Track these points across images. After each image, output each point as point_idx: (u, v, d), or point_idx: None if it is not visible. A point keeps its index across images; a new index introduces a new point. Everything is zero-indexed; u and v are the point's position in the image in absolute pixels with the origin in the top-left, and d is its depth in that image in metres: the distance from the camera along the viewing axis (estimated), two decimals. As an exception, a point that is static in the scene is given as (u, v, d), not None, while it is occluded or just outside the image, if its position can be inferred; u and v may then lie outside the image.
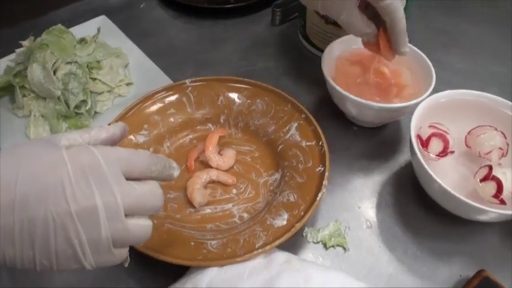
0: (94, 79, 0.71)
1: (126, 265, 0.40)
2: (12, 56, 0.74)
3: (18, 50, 0.72)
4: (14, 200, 0.32)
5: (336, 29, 0.73)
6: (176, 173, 0.41)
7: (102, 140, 0.40)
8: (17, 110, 0.69)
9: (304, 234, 0.57)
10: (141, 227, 0.37)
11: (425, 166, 0.52)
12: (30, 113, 0.67)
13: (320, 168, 0.57)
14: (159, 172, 0.39)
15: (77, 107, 0.67)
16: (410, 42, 0.66)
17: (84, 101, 0.68)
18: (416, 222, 0.58)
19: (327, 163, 0.57)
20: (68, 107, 0.67)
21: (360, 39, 0.63)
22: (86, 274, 0.54)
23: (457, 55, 0.82)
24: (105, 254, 0.35)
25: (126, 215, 0.35)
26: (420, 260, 0.54)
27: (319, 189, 0.54)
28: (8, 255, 0.33)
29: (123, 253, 0.38)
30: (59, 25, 0.74)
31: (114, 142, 0.41)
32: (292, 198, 0.56)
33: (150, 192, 0.38)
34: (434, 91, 0.60)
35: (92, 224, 0.34)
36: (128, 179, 0.36)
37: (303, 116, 0.63)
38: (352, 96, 0.60)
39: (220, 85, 0.68)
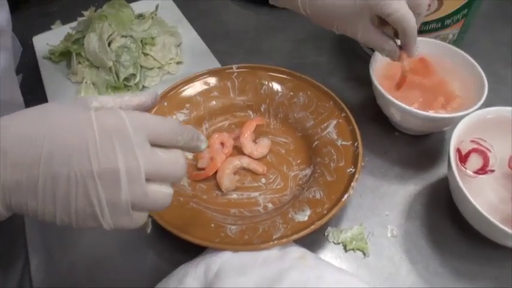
0: (146, 54, 0.74)
1: (148, 231, 0.40)
2: (74, 24, 0.77)
3: (79, 19, 0.76)
4: (41, 155, 0.33)
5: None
6: (204, 145, 0.41)
7: (134, 106, 0.41)
8: (71, 76, 0.73)
9: (326, 234, 0.56)
10: (161, 193, 0.37)
11: (460, 183, 0.50)
12: (83, 79, 0.71)
13: (351, 169, 0.56)
14: (185, 142, 0.39)
15: (126, 79, 0.70)
16: (469, 52, 0.64)
17: (133, 75, 0.70)
18: (443, 238, 0.56)
19: (359, 165, 0.56)
20: (118, 78, 0.69)
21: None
22: (107, 238, 0.56)
23: (519, 71, 0.78)
24: (123, 216, 0.36)
25: (148, 180, 0.36)
26: (441, 277, 0.53)
27: (346, 190, 0.54)
28: (30, 207, 0.35)
29: (142, 217, 0.38)
30: None
31: (145, 109, 0.41)
32: (318, 196, 0.55)
33: (173, 161, 0.38)
34: (489, 105, 0.57)
35: (113, 186, 0.34)
36: (154, 145, 0.37)
37: (343, 114, 0.62)
38: (395, 101, 0.59)
39: (265, 74, 0.68)
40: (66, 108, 0.36)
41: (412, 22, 0.53)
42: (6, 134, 0.34)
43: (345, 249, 0.55)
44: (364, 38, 0.56)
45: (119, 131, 0.35)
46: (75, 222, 0.36)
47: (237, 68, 0.69)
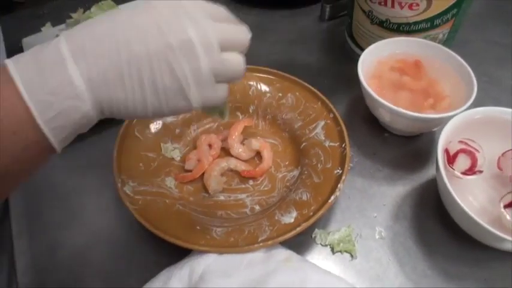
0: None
1: (226, 118, 0.44)
2: (62, 26, 0.77)
3: (68, 21, 0.75)
4: (118, 41, 0.35)
5: (381, 30, 0.71)
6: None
7: None
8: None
9: (313, 235, 0.56)
10: (235, 59, 0.38)
11: (448, 184, 0.49)
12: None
13: (338, 170, 0.56)
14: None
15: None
16: (460, 52, 0.64)
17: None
18: (432, 239, 0.55)
19: (346, 166, 0.55)
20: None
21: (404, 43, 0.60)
22: (93, 240, 0.56)
23: (509, 71, 0.77)
24: (208, 87, 0.37)
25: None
26: (429, 279, 0.52)
27: (332, 192, 0.53)
28: (120, 100, 0.36)
29: (224, 90, 0.39)
30: (109, 0, 0.76)
31: None
32: (304, 197, 0.55)
33: (239, 29, 0.40)
34: (478, 105, 0.57)
35: (191, 56, 0.36)
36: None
37: (331, 115, 0.62)
38: (384, 102, 0.58)
39: (253, 75, 0.68)
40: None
41: None
42: (80, 33, 0.36)
43: (333, 251, 0.55)
44: None
45: (184, 8, 0.37)
46: (166, 103, 0.37)
47: (226, 69, 0.68)
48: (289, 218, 0.53)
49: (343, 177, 0.54)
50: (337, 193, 0.53)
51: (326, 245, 0.55)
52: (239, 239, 0.50)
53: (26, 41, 0.78)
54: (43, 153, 0.36)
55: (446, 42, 0.71)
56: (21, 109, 0.33)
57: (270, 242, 0.49)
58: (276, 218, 0.53)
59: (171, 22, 0.36)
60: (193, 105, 0.38)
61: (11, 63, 0.34)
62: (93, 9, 0.74)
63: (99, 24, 0.36)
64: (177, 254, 0.51)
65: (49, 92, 0.34)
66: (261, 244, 0.49)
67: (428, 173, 0.62)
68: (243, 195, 0.58)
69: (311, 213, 0.52)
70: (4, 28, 0.79)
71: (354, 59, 0.78)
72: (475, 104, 0.57)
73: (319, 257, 0.54)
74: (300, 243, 0.54)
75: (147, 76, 0.35)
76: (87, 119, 0.36)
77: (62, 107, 0.34)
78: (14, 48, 0.80)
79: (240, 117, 0.67)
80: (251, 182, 0.60)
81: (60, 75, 0.34)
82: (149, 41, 0.35)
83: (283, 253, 0.49)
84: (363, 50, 0.76)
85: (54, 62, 0.34)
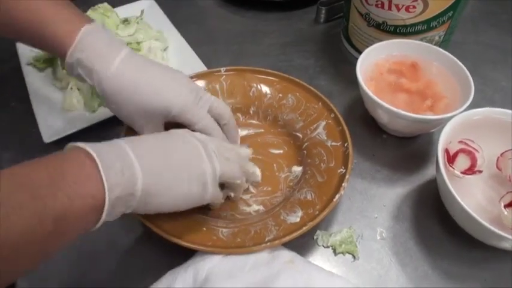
0: (132, 59, 0.73)
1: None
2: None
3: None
4: (171, 162, 0.46)
5: (377, 32, 0.72)
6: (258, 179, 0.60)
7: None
8: (56, 82, 0.72)
9: (315, 237, 0.56)
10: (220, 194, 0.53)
11: (448, 183, 0.50)
12: (68, 85, 0.69)
13: (342, 169, 0.56)
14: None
15: (112, 84, 0.69)
16: (455, 53, 0.64)
17: (119, 79, 0.69)
18: (433, 240, 0.56)
19: (349, 165, 0.56)
20: (103, 83, 0.68)
21: (401, 45, 0.61)
22: (96, 243, 0.55)
23: (503, 72, 0.79)
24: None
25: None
26: (431, 279, 0.53)
27: (337, 191, 0.54)
28: (155, 204, 0.45)
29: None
30: (105, 3, 0.76)
31: None
32: (309, 197, 0.55)
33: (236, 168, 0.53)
34: (475, 106, 0.58)
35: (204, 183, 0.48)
36: None
37: (332, 115, 0.62)
38: (383, 103, 0.59)
39: (254, 76, 0.68)
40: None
41: (216, 132, 0.56)
42: (140, 145, 0.45)
43: (335, 252, 0.55)
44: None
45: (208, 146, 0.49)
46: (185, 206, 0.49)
47: (225, 70, 0.68)
48: (295, 217, 0.53)
49: (347, 176, 0.54)
50: (342, 192, 0.53)
51: (328, 247, 0.55)
52: (246, 239, 0.50)
53: (20, 44, 0.78)
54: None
55: (443, 44, 0.72)
56: (98, 201, 0.39)
57: (276, 242, 0.49)
58: (282, 217, 0.53)
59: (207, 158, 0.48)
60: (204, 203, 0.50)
61: (99, 162, 0.40)
62: (89, 12, 0.73)
63: (158, 142, 0.47)
64: (181, 256, 0.51)
65: (117, 196, 0.40)
66: (268, 244, 0.49)
67: (427, 173, 0.63)
68: (247, 196, 0.58)
69: (316, 212, 0.52)
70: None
71: (350, 61, 0.79)
72: (472, 105, 0.58)
73: (321, 258, 0.54)
74: (302, 245, 0.55)
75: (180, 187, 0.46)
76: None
77: (121, 202, 0.41)
78: (10, 54, 0.79)
79: (241, 119, 0.67)
80: (254, 184, 0.60)
81: (129, 182, 0.41)
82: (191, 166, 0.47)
83: (286, 255, 0.49)
84: (359, 52, 0.77)
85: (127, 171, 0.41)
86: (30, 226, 0.34)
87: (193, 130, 0.54)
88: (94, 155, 0.40)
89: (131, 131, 0.58)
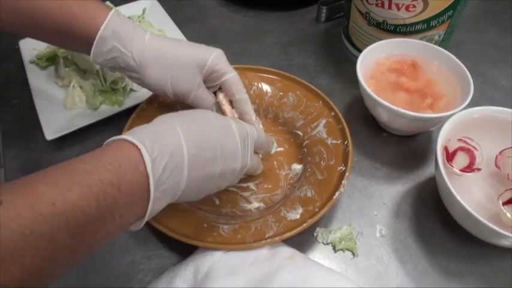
0: (133, 57, 0.73)
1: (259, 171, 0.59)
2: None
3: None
4: (216, 158, 0.47)
5: (377, 31, 0.72)
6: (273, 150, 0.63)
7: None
8: (58, 80, 0.72)
9: (315, 234, 0.56)
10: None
11: (447, 180, 0.50)
12: (70, 83, 0.70)
13: (342, 167, 0.57)
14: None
15: (114, 82, 0.70)
16: (455, 52, 0.65)
17: (120, 78, 0.70)
18: (432, 237, 0.56)
19: (349, 163, 0.56)
20: (105, 82, 0.69)
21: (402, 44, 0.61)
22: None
23: (503, 71, 0.79)
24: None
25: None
26: (430, 276, 0.53)
27: (337, 188, 0.54)
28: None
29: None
30: (108, 2, 0.76)
31: None
32: (309, 194, 0.56)
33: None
34: (474, 105, 0.58)
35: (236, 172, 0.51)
36: None
37: (333, 113, 0.63)
38: (383, 102, 0.59)
39: (255, 75, 0.69)
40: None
41: (241, 86, 0.60)
42: (197, 138, 0.45)
43: (334, 249, 0.55)
44: (198, 96, 0.59)
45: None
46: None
47: (226, 69, 0.68)
48: (295, 214, 0.53)
49: (347, 174, 0.55)
50: (342, 189, 0.54)
51: (328, 244, 0.56)
52: (246, 235, 0.51)
53: (23, 43, 0.78)
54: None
55: (443, 43, 0.73)
56: (142, 198, 0.40)
57: (277, 238, 0.50)
58: (282, 214, 0.54)
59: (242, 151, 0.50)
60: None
61: (147, 159, 0.40)
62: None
63: (208, 133, 0.47)
64: (182, 252, 0.52)
65: (163, 190, 0.41)
66: (268, 240, 0.49)
67: (426, 171, 0.63)
68: (247, 193, 0.59)
69: (316, 210, 0.52)
70: (0, 30, 0.79)
71: (350, 60, 0.80)
72: (472, 104, 0.58)
73: (321, 255, 0.55)
74: (302, 241, 0.55)
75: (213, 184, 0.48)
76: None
77: (163, 201, 0.43)
78: (12, 52, 0.80)
79: (241, 117, 0.67)
80: (254, 181, 0.60)
81: (176, 178, 0.42)
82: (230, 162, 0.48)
83: (286, 251, 0.50)
84: (359, 50, 0.78)
85: (177, 165, 0.42)
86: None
87: (219, 85, 0.59)
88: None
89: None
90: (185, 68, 0.56)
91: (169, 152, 0.41)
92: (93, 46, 0.53)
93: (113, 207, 0.36)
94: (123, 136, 0.41)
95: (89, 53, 0.54)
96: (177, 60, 0.56)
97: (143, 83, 0.57)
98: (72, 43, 0.56)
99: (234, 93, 0.59)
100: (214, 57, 0.57)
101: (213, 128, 0.48)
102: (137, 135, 0.41)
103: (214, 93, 0.60)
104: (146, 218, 0.41)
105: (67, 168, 0.36)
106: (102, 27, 0.52)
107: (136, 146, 0.40)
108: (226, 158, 0.48)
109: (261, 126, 0.61)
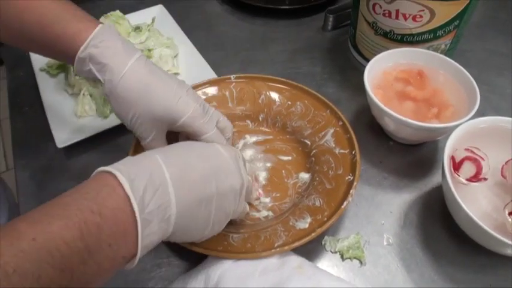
0: (143, 66, 0.74)
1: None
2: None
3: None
4: (205, 176, 0.45)
5: (385, 40, 0.73)
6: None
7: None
8: (68, 87, 0.73)
9: (323, 243, 0.57)
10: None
11: (453, 190, 0.51)
12: (80, 91, 0.71)
13: (349, 176, 0.57)
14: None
15: (124, 90, 0.70)
16: (461, 61, 0.65)
17: (130, 86, 0.70)
18: (439, 246, 0.57)
19: (357, 172, 0.57)
20: (115, 89, 0.70)
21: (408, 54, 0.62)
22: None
23: (509, 79, 0.80)
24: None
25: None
26: (437, 285, 0.54)
27: (345, 198, 0.55)
28: (188, 227, 0.44)
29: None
30: (117, 11, 0.77)
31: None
32: (317, 203, 0.56)
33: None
34: (479, 113, 0.59)
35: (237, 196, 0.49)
36: None
37: (340, 123, 0.63)
38: (390, 111, 0.60)
39: (263, 84, 0.69)
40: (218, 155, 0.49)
41: (221, 139, 0.56)
42: (177, 162, 0.44)
43: (342, 258, 0.56)
44: (153, 144, 0.55)
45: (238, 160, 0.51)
46: (218, 228, 0.49)
47: (235, 78, 0.69)
48: (304, 223, 0.54)
49: (355, 183, 0.55)
50: (350, 199, 0.54)
51: (336, 252, 0.56)
52: (255, 244, 0.51)
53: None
54: (122, 266, 0.39)
55: (449, 52, 0.73)
56: (128, 224, 0.38)
57: (286, 248, 0.50)
58: (291, 223, 0.54)
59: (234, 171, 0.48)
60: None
61: (124, 181, 0.38)
62: (102, 19, 0.75)
63: (190, 153, 0.46)
64: (192, 261, 0.53)
65: (150, 212, 0.39)
66: (277, 249, 0.50)
67: (433, 180, 0.64)
68: (256, 202, 0.59)
69: (325, 219, 0.53)
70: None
71: (357, 69, 0.80)
72: (478, 113, 0.59)
73: (329, 263, 0.56)
74: (310, 250, 0.56)
75: (214, 208, 0.46)
76: (162, 239, 0.42)
77: (156, 228, 0.40)
78: (23, 59, 0.81)
79: (250, 125, 0.68)
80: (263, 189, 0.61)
81: (162, 198, 0.40)
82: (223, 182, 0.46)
83: (295, 260, 0.51)
84: (366, 59, 0.78)
85: (160, 184, 0.40)
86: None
87: (197, 140, 0.55)
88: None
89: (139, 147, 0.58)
90: (151, 118, 0.53)
91: (148, 173, 0.40)
92: (74, 64, 0.53)
93: (98, 236, 0.35)
94: (99, 169, 0.40)
95: None
96: (147, 106, 0.52)
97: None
98: (61, 58, 0.56)
99: None
100: (186, 118, 0.53)
101: (197, 149, 0.48)
102: (113, 166, 0.40)
103: None
104: (140, 250, 0.39)
105: (46, 206, 0.35)
106: (80, 50, 0.51)
107: (111, 173, 0.38)
108: (219, 175, 0.46)
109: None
